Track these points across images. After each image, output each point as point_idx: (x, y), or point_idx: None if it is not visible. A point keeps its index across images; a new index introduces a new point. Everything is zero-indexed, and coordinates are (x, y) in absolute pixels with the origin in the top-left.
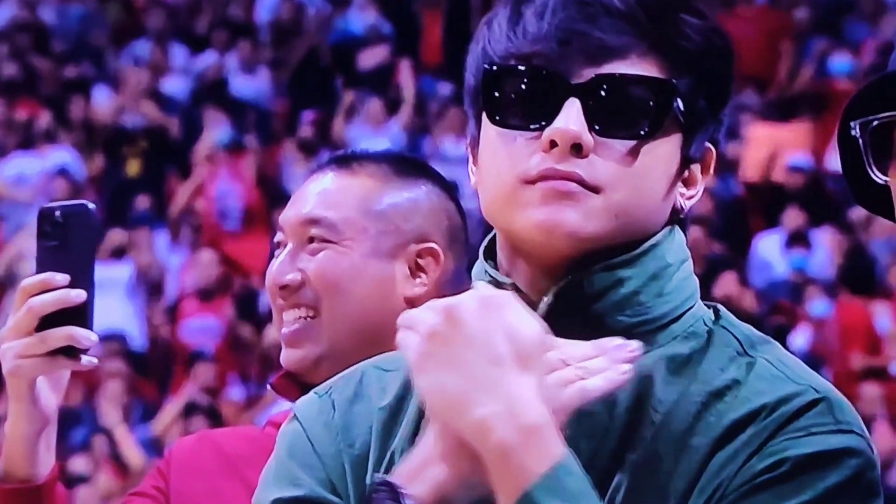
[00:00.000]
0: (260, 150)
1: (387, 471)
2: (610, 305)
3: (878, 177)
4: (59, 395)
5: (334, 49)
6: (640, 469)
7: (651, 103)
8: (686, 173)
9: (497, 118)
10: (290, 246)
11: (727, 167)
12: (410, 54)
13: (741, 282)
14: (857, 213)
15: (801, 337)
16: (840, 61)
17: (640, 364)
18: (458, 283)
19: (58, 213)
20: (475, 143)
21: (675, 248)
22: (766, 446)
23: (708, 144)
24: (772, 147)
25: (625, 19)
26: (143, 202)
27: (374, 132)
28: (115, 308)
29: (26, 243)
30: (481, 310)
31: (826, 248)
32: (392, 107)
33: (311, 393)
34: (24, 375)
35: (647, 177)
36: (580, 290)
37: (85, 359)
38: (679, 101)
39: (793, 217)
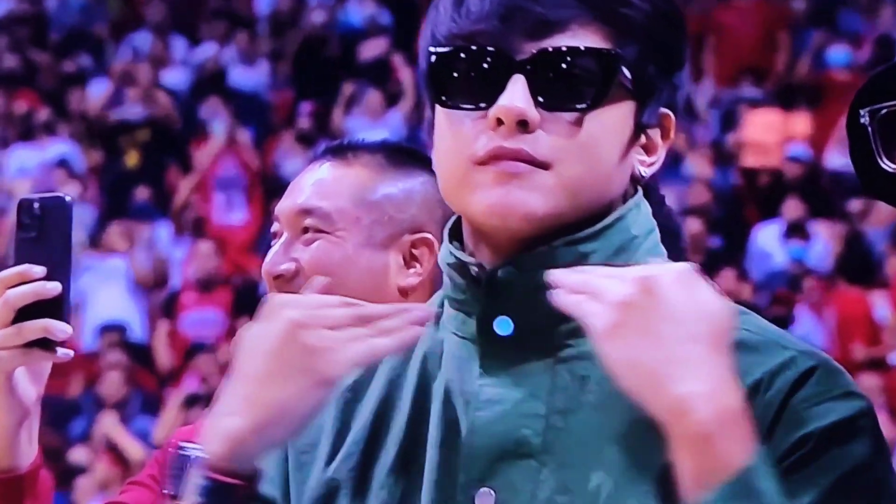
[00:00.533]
0: (258, 141)
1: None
2: None
3: (886, 165)
4: (40, 387)
5: (334, 40)
6: (627, 458)
7: (595, 74)
8: (643, 140)
9: (444, 100)
10: (285, 236)
11: (725, 158)
12: (410, 46)
13: (740, 276)
14: (855, 203)
15: (799, 328)
16: (837, 53)
17: None
18: None
19: (36, 204)
20: (430, 128)
21: (641, 220)
22: (781, 423)
23: (665, 110)
24: (770, 138)
25: None
26: (142, 193)
27: (373, 124)
28: (115, 299)
29: None
30: (678, 284)
31: (824, 238)
32: (391, 98)
33: None
34: (0, 368)
35: (596, 147)
36: (543, 267)
37: (61, 351)
38: (625, 69)
39: (792, 208)
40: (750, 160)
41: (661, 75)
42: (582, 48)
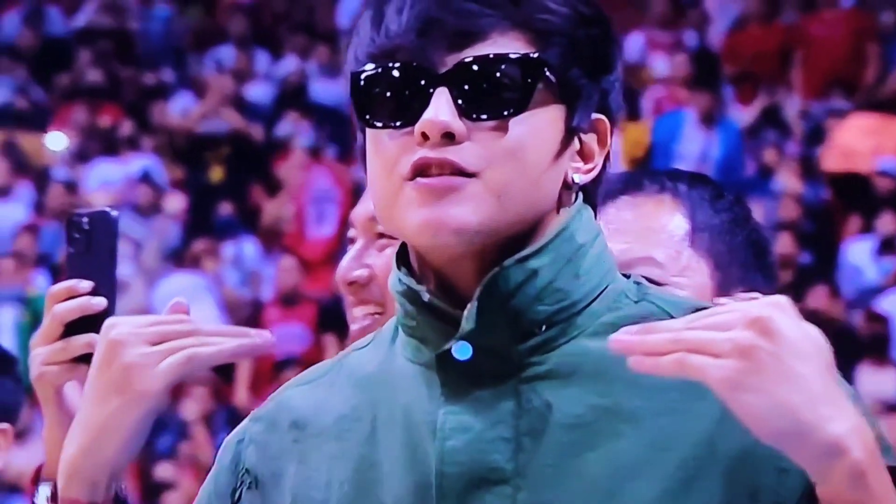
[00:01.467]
0: (341, 155)
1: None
2: (528, 298)
3: None
4: None
5: None
6: (603, 476)
7: (517, 79)
8: (578, 146)
9: (370, 120)
10: (360, 242)
11: (815, 172)
12: None
13: (832, 293)
14: None
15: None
16: None
17: (566, 356)
18: None
19: (84, 219)
20: (362, 153)
21: (585, 227)
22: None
23: (599, 115)
24: (860, 146)
25: (480, 2)
26: (226, 208)
27: None
28: (200, 314)
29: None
30: (788, 318)
31: None
32: None
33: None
34: (48, 382)
35: (524, 152)
36: (496, 288)
37: None
38: (548, 73)
39: (885, 222)
40: (840, 174)
41: (587, 79)
42: (501, 55)
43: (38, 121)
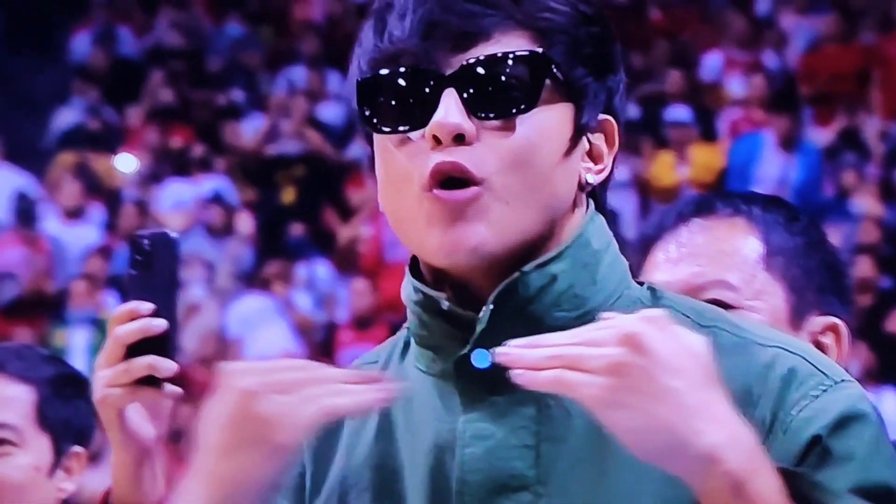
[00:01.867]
0: None
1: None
2: (547, 304)
3: None
4: (161, 425)
5: None
6: (624, 481)
7: (524, 77)
8: (588, 146)
9: (380, 127)
10: None
11: (895, 195)
12: None
13: None
14: None
15: None
16: None
17: None
18: None
19: (146, 241)
20: (371, 165)
21: (599, 232)
22: (780, 428)
23: (607, 116)
24: None
25: (483, 2)
26: (297, 230)
27: None
28: (273, 336)
29: (188, 269)
30: (663, 333)
31: None
32: None
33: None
34: (111, 404)
35: (532, 151)
36: (516, 294)
37: (168, 388)
38: (555, 70)
39: None
40: None
41: (592, 78)
42: (507, 53)
43: (110, 142)
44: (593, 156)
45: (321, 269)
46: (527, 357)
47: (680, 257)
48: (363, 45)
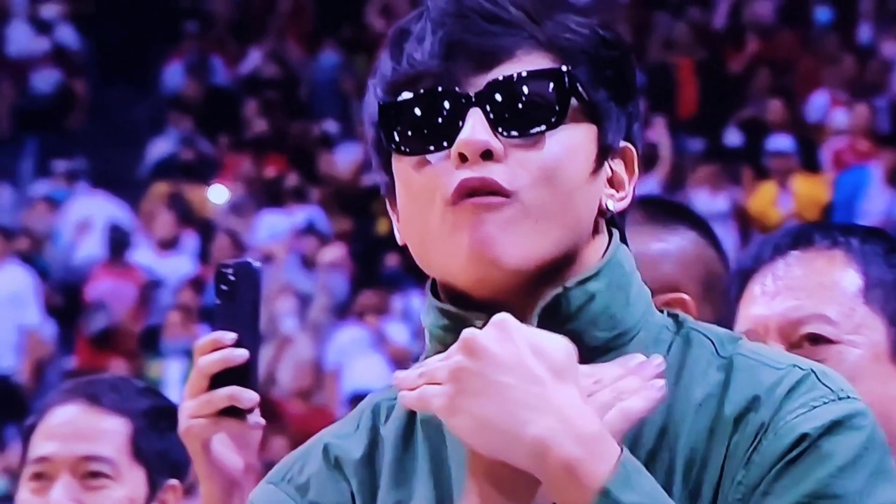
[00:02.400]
0: None
1: None
2: (586, 322)
3: None
4: (249, 456)
5: None
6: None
7: (551, 94)
8: (609, 172)
9: (404, 149)
10: None
11: None
12: (665, 108)
13: None
14: None
15: None
16: None
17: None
18: None
19: (230, 271)
20: (392, 194)
21: (627, 257)
22: (772, 430)
23: (627, 143)
24: None
25: (503, 22)
26: (392, 260)
27: None
28: (369, 367)
29: (282, 301)
30: (501, 333)
31: None
32: (646, 162)
33: (264, 482)
34: (195, 435)
35: (559, 169)
36: (559, 310)
37: (251, 419)
38: (580, 88)
39: None
40: None
41: (614, 102)
42: (534, 71)
43: (204, 172)
44: (614, 183)
45: (417, 300)
46: (405, 378)
47: (777, 290)
48: (380, 72)
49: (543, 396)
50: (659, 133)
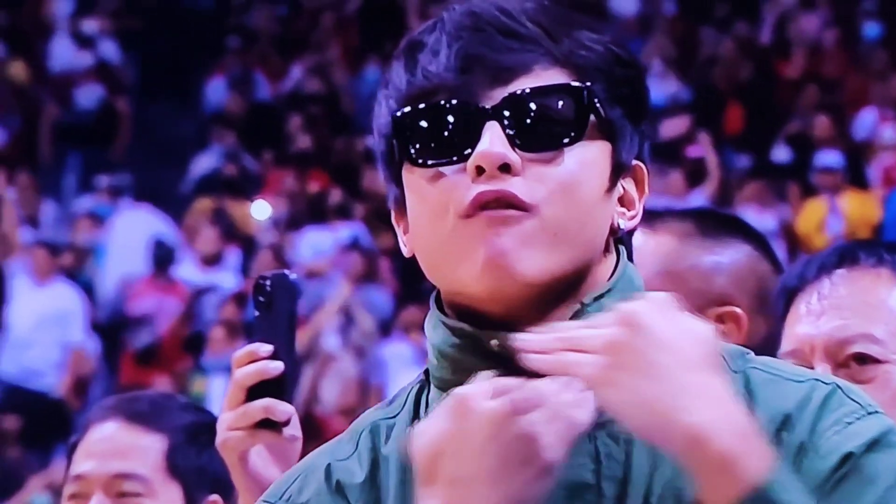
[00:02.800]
0: None
1: None
2: None
3: None
4: (287, 468)
5: None
6: None
7: (570, 109)
8: (621, 191)
9: (419, 160)
10: None
11: None
12: (712, 124)
13: None
14: None
15: None
16: None
17: None
18: (769, 349)
19: (267, 283)
20: (400, 206)
21: (636, 272)
22: (813, 450)
23: (638, 162)
24: None
25: (520, 37)
26: None
27: (674, 204)
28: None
29: (325, 318)
30: (660, 313)
31: None
32: (694, 177)
33: (261, 501)
34: (232, 448)
35: (577, 185)
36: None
37: (287, 431)
38: (598, 104)
39: None
40: None
41: (628, 120)
42: (554, 85)
43: (247, 187)
44: (625, 201)
45: None
46: (533, 341)
47: (823, 310)
48: (393, 84)
49: (704, 384)
50: (706, 149)
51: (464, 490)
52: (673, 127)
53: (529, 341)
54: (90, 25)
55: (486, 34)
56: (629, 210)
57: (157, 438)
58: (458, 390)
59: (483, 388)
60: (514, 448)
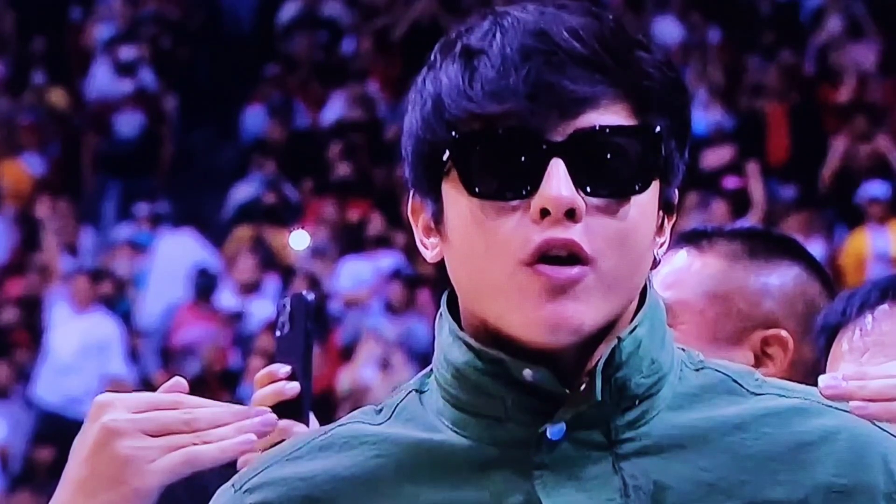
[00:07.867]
0: None
1: None
2: (632, 369)
3: None
4: None
5: None
6: None
7: (639, 152)
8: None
9: (475, 190)
10: None
11: None
12: (756, 154)
13: None
14: None
15: None
16: None
17: (657, 430)
18: (815, 374)
19: (287, 304)
20: (437, 217)
21: (658, 297)
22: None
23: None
24: None
25: (592, 66)
26: None
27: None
28: None
29: (366, 348)
30: None
31: None
32: (738, 207)
33: (227, 485)
34: None
35: (636, 236)
36: (612, 362)
37: None
38: (662, 147)
39: None
40: None
41: (678, 153)
42: (625, 126)
43: (287, 216)
44: (660, 230)
45: None
46: (868, 388)
47: (866, 347)
48: (444, 88)
49: None
50: (752, 179)
51: (64, 494)
52: (716, 157)
53: (859, 388)
54: (130, 52)
55: (557, 58)
56: (660, 237)
57: None
58: (100, 397)
59: (127, 399)
60: (109, 465)
